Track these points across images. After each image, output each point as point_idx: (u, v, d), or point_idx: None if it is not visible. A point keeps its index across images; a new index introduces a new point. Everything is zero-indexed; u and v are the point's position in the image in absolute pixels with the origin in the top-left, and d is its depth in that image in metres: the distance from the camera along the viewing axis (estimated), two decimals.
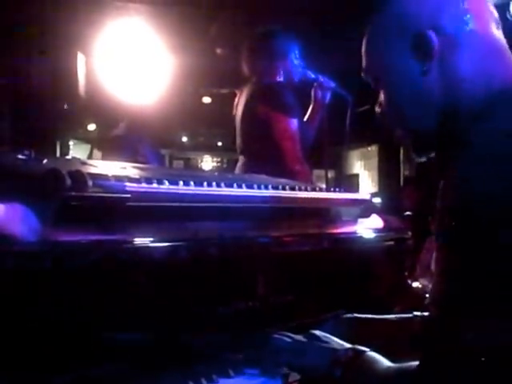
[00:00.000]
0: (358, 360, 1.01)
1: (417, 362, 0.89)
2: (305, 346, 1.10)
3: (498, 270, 0.79)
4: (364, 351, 1.03)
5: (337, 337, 1.12)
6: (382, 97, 1.09)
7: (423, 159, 1.10)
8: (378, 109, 1.11)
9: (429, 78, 1.01)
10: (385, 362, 1.00)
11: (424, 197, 5.19)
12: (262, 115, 2.60)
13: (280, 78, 2.71)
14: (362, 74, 1.12)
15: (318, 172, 3.12)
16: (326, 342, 1.09)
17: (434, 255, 0.89)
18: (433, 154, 1.09)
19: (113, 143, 3.09)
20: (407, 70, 1.03)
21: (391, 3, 1.07)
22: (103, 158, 2.98)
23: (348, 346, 1.06)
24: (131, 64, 3.29)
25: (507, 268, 0.78)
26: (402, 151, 8.24)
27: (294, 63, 2.72)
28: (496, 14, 1.07)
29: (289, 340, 1.12)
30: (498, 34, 1.05)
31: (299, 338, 1.12)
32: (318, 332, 1.12)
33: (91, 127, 8.28)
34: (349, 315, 1.30)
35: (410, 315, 1.28)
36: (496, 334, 0.78)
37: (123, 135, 3.03)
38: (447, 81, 1.00)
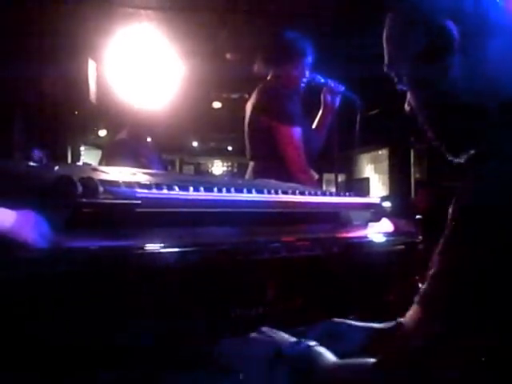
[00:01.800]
0: (305, 354, 0.96)
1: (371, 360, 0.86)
2: (249, 341, 1.05)
3: (498, 272, 0.75)
4: (310, 345, 0.97)
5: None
6: (409, 95, 0.98)
7: (461, 160, 0.96)
8: (407, 107, 0.99)
9: (451, 76, 0.89)
10: (331, 357, 0.95)
11: (435, 200, 5.17)
12: (265, 125, 2.62)
13: (288, 83, 2.71)
14: (385, 69, 1.00)
15: (328, 176, 3.11)
16: (271, 337, 1.03)
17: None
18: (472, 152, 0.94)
19: (117, 147, 3.11)
20: (426, 69, 0.91)
21: None
22: (106, 162, 3.00)
23: (293, 339, 1.01)
24: (142, 70, 3.31)
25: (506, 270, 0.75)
26: (412, 154, 8.22)
27: (304, 67, 2.72)
28: None
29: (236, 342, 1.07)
30: None
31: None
32: (265, 328, 1.07)
33: (102, 133, 8.36)
34: (337, 320, 1.24)
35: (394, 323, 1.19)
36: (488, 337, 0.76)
37: (127, 139, 3.05)
38: (473, 76, 0.88)
